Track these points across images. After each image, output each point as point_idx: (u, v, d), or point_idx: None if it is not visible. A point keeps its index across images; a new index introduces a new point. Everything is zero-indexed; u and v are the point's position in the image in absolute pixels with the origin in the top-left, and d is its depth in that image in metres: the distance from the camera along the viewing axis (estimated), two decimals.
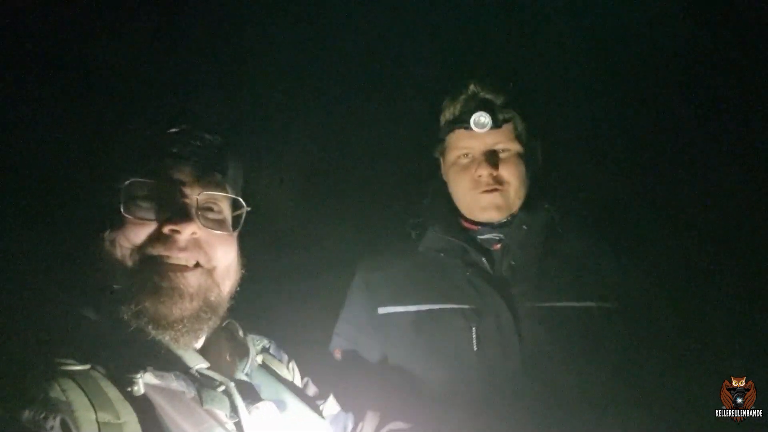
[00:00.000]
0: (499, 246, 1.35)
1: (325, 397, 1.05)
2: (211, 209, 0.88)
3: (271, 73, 1.64)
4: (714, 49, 1.68)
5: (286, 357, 1.06)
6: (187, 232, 0.82)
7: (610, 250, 1.36)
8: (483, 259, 1.32)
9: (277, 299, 1.44)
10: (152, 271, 0.79)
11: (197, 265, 0.84)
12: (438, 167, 1.46)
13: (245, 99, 1.58)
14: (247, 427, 0.80)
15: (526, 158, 1.34)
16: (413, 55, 1.74)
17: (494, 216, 1.33)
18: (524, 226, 1.33)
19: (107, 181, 0.83)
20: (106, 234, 0.81)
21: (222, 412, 0.79)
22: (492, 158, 1.31)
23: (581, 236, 1.39)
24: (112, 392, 0.69)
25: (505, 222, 1.35)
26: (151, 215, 0.82)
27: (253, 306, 0.97)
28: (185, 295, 0.80)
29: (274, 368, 1.00)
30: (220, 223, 0.88)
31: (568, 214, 1.39)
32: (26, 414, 0.62)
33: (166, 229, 0.81)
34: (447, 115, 1.37)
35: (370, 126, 1.77)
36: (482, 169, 1.30)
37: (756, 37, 1.66)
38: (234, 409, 0.80)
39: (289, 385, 0.98)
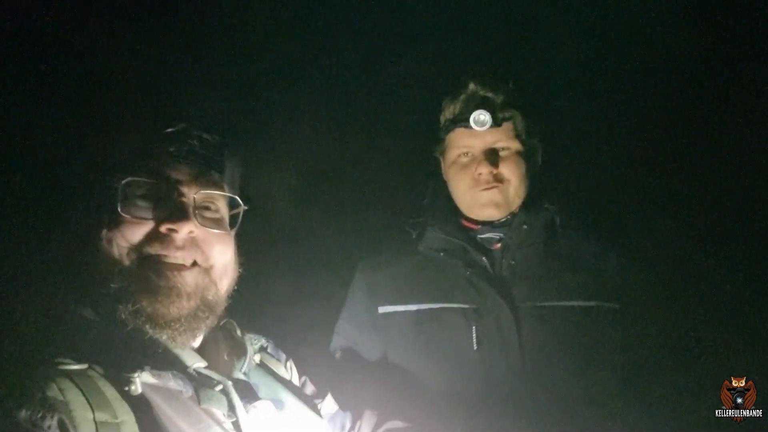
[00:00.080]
0: (499, 245, 1.35)
1: (322, 396, 1.05)
2: (208, 208, 0.88)
3: (270, 71, 1.65)
4: (714, 48, 1.68)
5: (284, 356, 1.06)
6: (185, 231, 0.82)
7: (610, 250, 1.36)
8: (483, 258, 1.32)
9: (275, 298, 1.44)
10: (149, 270, 0.80)
11: (194, 264, 0.84)
12: (438, 166, 1.46)
13: (243, 98, 1.58)
14: (244, 426, 0.80)
15: (526, 157, 1.34)
16: (413, 54, 1.74)
17: (494, 214, 1.33)
18: (524, 226, 1.33)
19: (105, 180, 0.83)
20: (104, 233, 0.81)
21: (220, 411, 0.79)
22: (492, 156, 1.31)
23: (581, 236, 1.39)
24: (110, 391, 0.69)
25: (505, 221, 1.35)
26: (149, 214, 0.82)
27: (251, 305, 0.97)
28: (182, 294, 0.80)
29: (272, 367, 1.00)
30: (217, 222, 0.88)
31: (569, 213, 1.39)
32: (23, 413, 0.62)
33: (163, 228, 0.81)
34: (447, 113, 1.37)
35: (369, 125, 1.77)
36: (482, 167, 1.30)
37: (756, 37, 1.66)
38: (232, 408, 0.80)
39: (287, 384, 0.98)
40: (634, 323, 1.27)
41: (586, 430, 1.17)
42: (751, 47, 1.67)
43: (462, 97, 1.34)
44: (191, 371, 0.81)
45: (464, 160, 1.35)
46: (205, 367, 0.83)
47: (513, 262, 1.31)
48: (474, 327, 1.26)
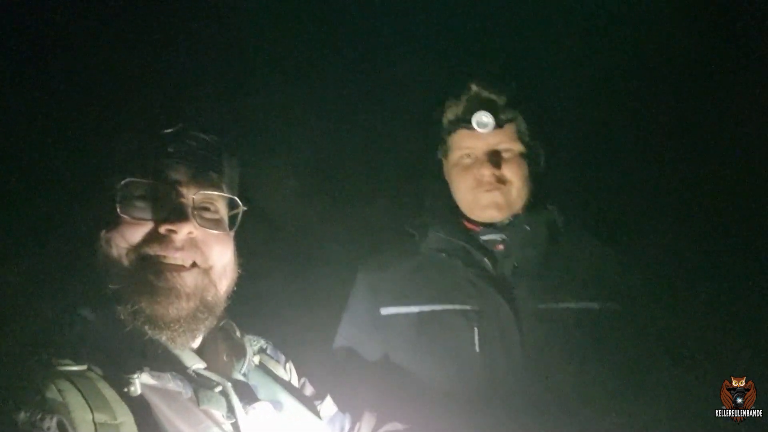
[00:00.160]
0: (501, 246, 1.35)
1: (322, 398, 1.05)
2: (207, 209, 0.87)
3: (269, 72, 1.64)
4: (716, 50, 1.68)
5: (283, 357, 1.05)
6: (184, 231, 0.82)
7: (612, 251, 1.36)
8: (485, 259, 1.32)
9: (274, 299, 1.43)
10: (149, 271, 0.79)
11: (194, 264, 0.83)
12: (440, 167, 1.46)
13: (242, 98, 1.58)
14: (244, 428, 0.80)
15: (529, 158, 1.34)
16: (415, 55, 1.74)
17: (495, 215, 1.33)
18: (527, 227, 1.33)
19: (103, 181, 0.83)
20: (102, 234, 0.81)
21: (219, 413, 0.79)
22: (494, 158, 1.31)
23: (584, 237, 1.39)
24: (109, 393, 0.69)
25: (507, 222, 1.35)
26: (148, 215, 0.82)
27: (251, 306, 0.97)
28: (182, 295, 0.80)
29: (272, 369, 1.00)
30: (216, 223, 0.88)
31: (571, 214, 1.39)
32: (23, 415, 0.62)
33: (162, 229, 0.81)
34: (449, 115, 1.37)
35: (371, 125, 1.77)
36: (485, 168, 1.30)
37: (756, 38, 1.66)
38: (231, 409, 0.80)
39: (287, 386, 0.97)
40: (636, 324, 1.27)
41: (587, 430, 1.17)
42: (752, 47, 1.67)
43: (464, 98, 1.34)
44: (191, 372, 0.80)
45: (466, 161, 1.35)
46: (205, 368, 0.82)
47: (515, 264, 1.31)
48: (476, 328, 1.25)
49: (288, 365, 1.05)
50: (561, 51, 1.74)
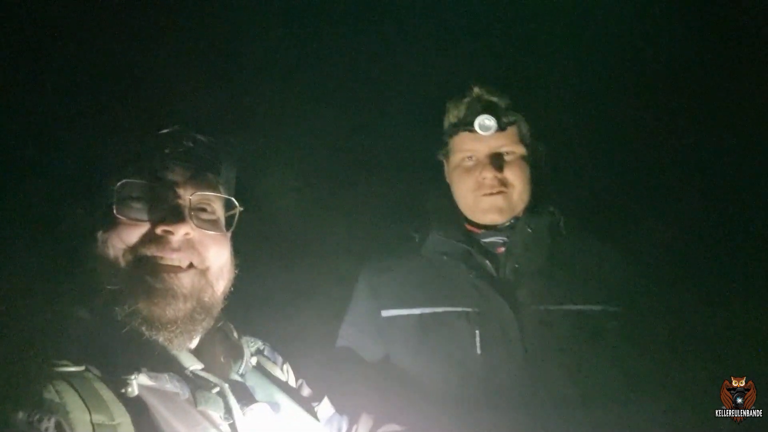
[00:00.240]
0: (503, 249, 1.35)
1: (319, 399, 1.05)
2: (204, 210, 0.88)
3: (268, 72, 1.65)
4: (717, 52, 1.68)
5: (280, 359, 1.05)
6: (180, 232, 0.82)
7: (614, 253, 1.37)
8: (487, 261, 1.32)
9: (271, 300, 1.44)
10: (145, 271, 0.79)
11: (191, 265, 0.84)
12: (441, 170, 1.46)
13: (239, 98, 1.58)
14: (241, 429, 0.80)
15: (531, 161, 1.34)
16: (418, 57, 1.75)
17: (496, 219, 1.33)
18: (528, 229, 1.33)
19: (100, 182, 0.83)
20: (100, 235, 0.81)
21: (216, 414, 0.79)
22: (497, 161, 1.31)
23: (585, 239, 1.39)
24: (107, 394, 0.69)
25: (508, 225, 1.35)
26: (144, 216, 0.82)
27: (248, 307, 0.97)
28: (179, 296, 0.80)
29: (269, 370, 1.00)
30: (213, 224, 0.88)
31: (573, 217, 1.39)
32: (20, 415, 0.62)
33: (159, 230, 0.81)
34: (451, 117, 1.38)
35: (373, 127, 1.78)
36: (487, 171, 1.30)
37: (756, 39, 1.66)
38: (228, 410, 0.80)
39: (284, 387, 0.97)
40: (637, 325, 1.27)
41: (588, 431, 1.17)
42: (752, 47, 1.67)
43: (466, 100, 1.34)
44: (188, 373, 0.81)
45: (468, 164, 1.35)
46: (202, 369, 0.83)
47: (517, 266, 1.31)
48: (477, 330, 1.25)
49: (285, 367, 1.05)
50: (563, 52, 1.75)
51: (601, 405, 1.20)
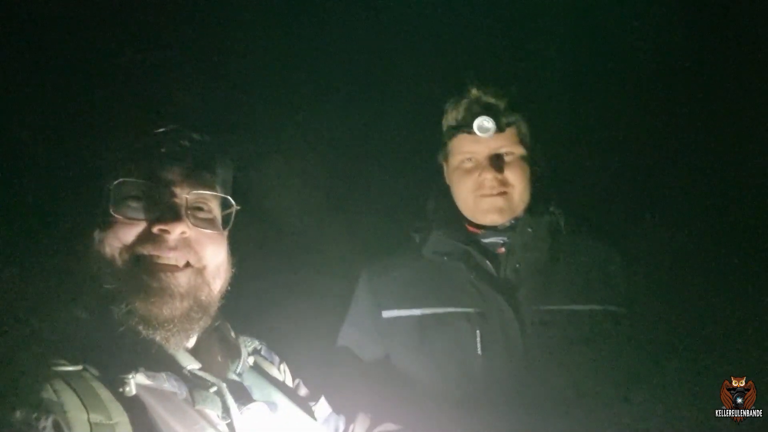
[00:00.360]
0: (503, 249, 1.35)
1: (316, 399, 1.05)
2: (200, 208, 0.87)
3: (266, 72, 1.65)
4: (716, 51, 1.68)
5: (277, 359, 1.05)
6: (177, 231, 0.82)
7: (615, 253, 1.36)
8: (487, 262, 1.32)
9: (269, 299, 1.44)
10: (142, 271, 0.80)
11: (187, 264, 0.84)
12: (441, 170, 1.46)
13: (237, 97, 1.58)
14: (238, 428, 0.80)
15: (530, 161, 1.34)
16: (416, 58, 1.75)
17: (497, 219, 1.33)
18: (529, 229, 1.33)
19: (96, 181, 0.83)
20: (96, 234, 0.81)
21: (214, 413, 0.79)
22: (496, 162, 1.31)
23: (586, 239, 1.39)
24: (104, 393, 0.69)
25: (509, 225, 1.35)
26: (141, 215, 0.82)
27: (245, 306, 0.97)
28: (176, 295, 0.80)
29: (266, 369, 1.00)
30: (209, 222, 0.88)
31: (573, 217, 1.39)
32: (18, 415, 0.62)
33: (155, 229, 0.81)
34: (450, 119, 1.37)
35: (372, 128, 1.78)
36: (487, 172, 1.30)
37: (756, 39, 1.66)
38: (226, 409, 0.80)
39: (281, 387, 0.97)
40: (637, 326, 1.27)
41: (589, 431, 1.17)
42: (752, 47, 1.67)
43: (464, 102, 1.34)
44: (186, 372, 0.81)
45: (468, 165, 1.34)
46: (200, 369, 0.83)
47: (518, 266, 1.31)
48: (478, 331, 1.25)
49: (282, 366, 1.05)
50: (562, 53, 1.75)
51: (601, 405, 1.20)
